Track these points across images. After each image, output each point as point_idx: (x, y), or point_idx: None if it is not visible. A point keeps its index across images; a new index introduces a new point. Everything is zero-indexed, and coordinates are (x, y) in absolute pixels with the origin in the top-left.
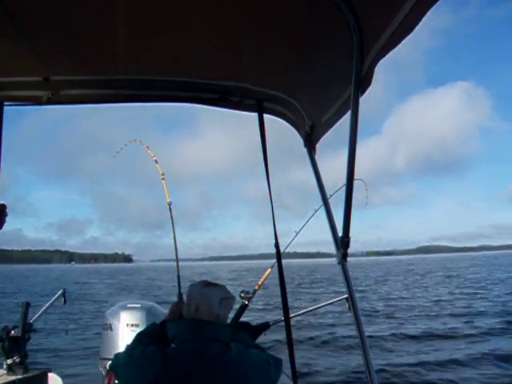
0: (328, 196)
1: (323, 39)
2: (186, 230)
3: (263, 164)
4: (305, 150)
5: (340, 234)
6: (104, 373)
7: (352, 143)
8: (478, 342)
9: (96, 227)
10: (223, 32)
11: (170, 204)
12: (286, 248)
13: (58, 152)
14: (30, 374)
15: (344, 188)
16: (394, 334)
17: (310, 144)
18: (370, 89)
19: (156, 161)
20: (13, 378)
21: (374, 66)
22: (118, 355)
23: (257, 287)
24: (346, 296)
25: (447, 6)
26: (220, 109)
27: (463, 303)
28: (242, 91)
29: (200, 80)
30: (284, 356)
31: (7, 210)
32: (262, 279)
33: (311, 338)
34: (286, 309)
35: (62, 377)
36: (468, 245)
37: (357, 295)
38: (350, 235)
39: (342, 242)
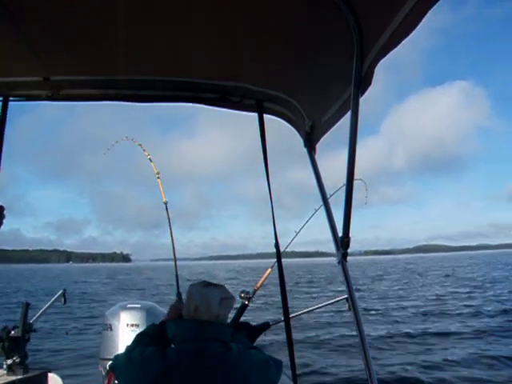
0: (328, 196)
1: (323, 39)
2: (184, 229)
3: (263, 164)
4: (305, 149)
5: (340, 234)
6: (104, 373)
7: (352, 143)
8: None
9: (94, 227)
10: (223, 32)
11: (166, 203)
12: (286, 248)
13: (56, 151)
14: (29, 374)
15: (344, 188)
16: (392, 333)
17: (310, 144)
18: (369, 89)
19: (150, 159)
20: (13, 378)
21: (374, 66)
22: (117, 356)
23: (257, 287)
24: (345, 296)
25: (446, 5)
26: (220, 109)
27: (468, 302)
28: (241, 91)
29: (200, 80)
30: (284, 356)
31: (5, 211)
32: (262, 279)
33: (310, 338)
34: (286, 309)
35: (62, 377)
36: (466, 244)
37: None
38: (350, 235)
39: (342, 242)
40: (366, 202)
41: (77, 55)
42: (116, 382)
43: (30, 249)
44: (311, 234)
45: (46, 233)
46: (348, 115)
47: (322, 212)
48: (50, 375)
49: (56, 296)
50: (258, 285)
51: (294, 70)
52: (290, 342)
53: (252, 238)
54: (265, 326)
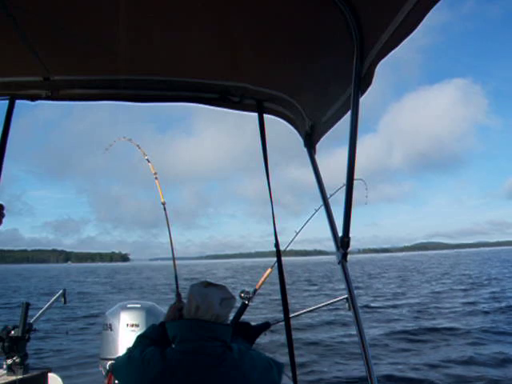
0: (328, 196)
1: (323, 39)
2: (183, 228)
3: (263, 164)
4: (305, 149)
5: (340, 233)
6: (104, 373)
7: (352, 143)
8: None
9: (93, 226)
10: (223, 32)
11: (164, 204)
12: (286, 248)
13: (54, 151)
14: (29, 374)
15: (344, 188)
16: (392, 332)
17: (310, 144)
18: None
19: (148, 160)
20: (13, 377)
21: (374, 66)
22: (118, 358)
23: (257, 287)
24: (345, 296)
25: (444, 2)
26: (220, 109)
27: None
28: (241, 91)
29: (200, 80)
30: (284, 356)
31: (4, 210)
32: (262, 279)
33: (310, 338)
34: (286, 309)
35: (62, 377)
36: (464, 241)
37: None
38: (350, 235)
39: (342, 242)
40: (367, 202)
41: (77, 55)
42: (116, 382)
43: (29, 249)
44: (309, 232)
45: (45, 233)
46: (348, 115)
47: (321, 211)
48: (50, 375)
49: (56, 296)
50: (258, 284)
51: (294, 70)
52: (289, 341)
53: (250, 237)
54: (265, 326)
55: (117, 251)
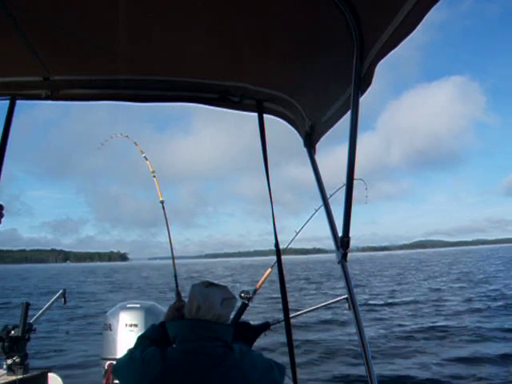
0: (328, 196)
1: (323, 39)
2: (182, 227)
3: (263, 164)
4: (305, 149)
5: (340, 233)
6: (103, 372)
7: (352, 143)
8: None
9: (91, 226)
10: (223, 32)
11: (162, 202)
12: (286, 247)
13: (52, 151)
14: (29, 374)
15: (344, 188)
16: (391, 332)
17: (310, 144)
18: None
19: (146, 157)
20: (13, 377)
21: (374, 66)
22: (119, 359)
23: (257, 287)
24: (345, 296)
25: (443, 0)
26: (219, 109)
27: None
28: (241, 91)
29: (200, 80)
30: (284, 356)
31: (4, 210)
32: (262, 279)
33: (309, 337)
34: (286, 309)
35: (62, 377)
36: (463, 239)
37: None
38: (350, 235)
39: (342, 242)
40: (367, 202)
41: (77, 55)
42: (115, 382)
43: (27, 249)
44: (308, 231)
45: (43, 233)
46: (348, 115)
47: (321, 211)
48: (50, 375)
49: (56, 296)
50: (258, 284)
51: (294, 70)
52: (289, 341)
53: (249, 236)
54: (265, 326)
55: (115, 250)
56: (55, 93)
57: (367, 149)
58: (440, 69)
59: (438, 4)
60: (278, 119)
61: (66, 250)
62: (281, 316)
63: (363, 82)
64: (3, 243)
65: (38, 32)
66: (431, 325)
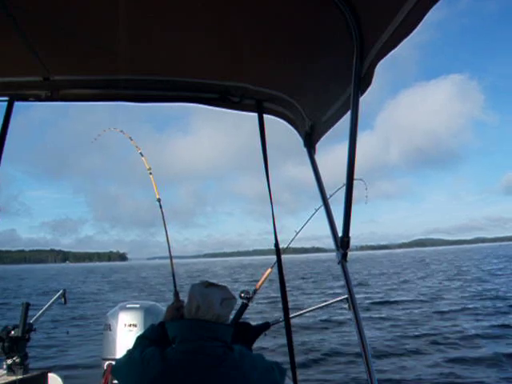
0: (328, 196)
1: (323, 39)
2: (180, 227)
3: (263, 164)
4: (304, 149)
5: (340, 233)
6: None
7: (352, 143)
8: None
9: (90, 226)
10: (223, 32)
11: (159, 200)
12: (286, 247)
13: (50, 151)
14: (29, 374)
15: (344, 188)
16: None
17: (310, 144)
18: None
19: (141, 153)
20: (13, 377)
21: (374, 66)
22: (119, 359)
23: (257, 287)
24: (345, 296)
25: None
26: (219, 109)
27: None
28: (241, 91)
29: (200, 80)
30: (284, 356)
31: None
32: (262, 279)
33: (309, 337)
34: (286, 309)
35: (62, 377)
36: (462, 237)
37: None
38: (350, 234)
39: (342, 242)
40: (367, 202)
41: (77, 55)
42: (115, 382)
43: (26, 249)
44: (308, 230)
45: (42, 233)
46: (348, 115)
47: (320, 211)
48: (50, 375)
49: (56, 296)
50: (258, 284)
51: (294, 70)
52: (289, 341)
53: (248, 235)
54: (265, 326)
55: (115, 250)
56: (55, 93)
57: (366, 148)
58: (438, 67)
59: (436, 4)
60: (278, 119)
61: (65, 250)
62: (281, 316)
63: (363, 81)
64: (2, 244)
65: (38, 32)
66: (432, 325)
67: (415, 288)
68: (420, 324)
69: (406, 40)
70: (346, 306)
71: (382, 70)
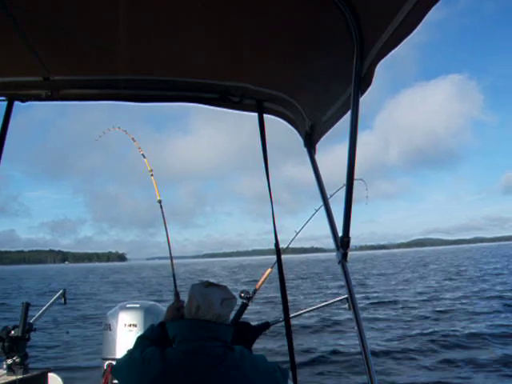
0: (328, 196)
1: (323, 39)
2: (180, 227)
3: (263, 164)
4: (305, 149)
5: (340, 233)
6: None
7: (352, 143)
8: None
9: (89, 226)
10: (223, 32)
11: (160, 202)
12: (286, 247)
13: (49, 151)
14: (29, 374)
15: (344, 188)
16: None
17: (310, 144)
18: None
19: (143, 155)
20: (13, 377)
21: (375, 66)
22: (119, 360)
23: (257, 287)
24: (345, 296)
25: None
26: (219, 109)
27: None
28: (241, 91)
29: (200, 80)
30: (284, 356)
31: None
32: (262, 279)
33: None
34: (286, 309)
35: (62, 377)
36: (462, 237)
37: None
38: (350, 234)
39: (342, 242)
40: (367, 203)
41: (77, 55)
42: (115, 382)
43: (25, 250)
44: (307, 230)
45: (41, 233)
46: (348, 115)
47: (320, 211)
48: (50, 375)
49: (56, 296)
50: (258, 284)
51: (294, 70)
52: (289, 341)
53: (247, 235)
54: (265, 326)
55: (114, 251)
56: (55, 93)
57: (365, 148)
58: (438, 67)
59: (436, 4)
60: (278, 119)
61: (65, 250)
62: (281, 316)
63: (363, 81)
64: (1, 244)
65: (37, 32)
66: (432, 327)
67: (414, 288)
68: (420, 325)
69: (406, 40)
70: (346, 305)
71: (382, 69)
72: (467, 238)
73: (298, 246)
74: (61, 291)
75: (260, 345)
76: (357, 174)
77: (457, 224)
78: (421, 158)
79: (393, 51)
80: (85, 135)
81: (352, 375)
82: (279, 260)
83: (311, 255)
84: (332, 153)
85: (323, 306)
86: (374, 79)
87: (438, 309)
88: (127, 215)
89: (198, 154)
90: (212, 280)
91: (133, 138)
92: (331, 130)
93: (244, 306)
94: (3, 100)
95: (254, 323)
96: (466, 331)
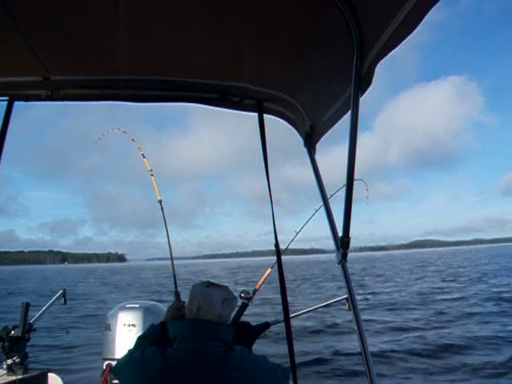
0: (328, 196)
1: (323, 39)
2: (180, 228)
3: (263, 165)
4: (305, 149)
5: (340, 234)
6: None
7: (352, 143)
8: None
9: (89, 227)
10: (223, 32)
11: (160, 202)
12: (286, 248)
13: (49, 151)
14: (29, 374)
15: (344, 188)
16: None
17: (310, 144)
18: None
19: (143, 155)
20: (13, 377)
21: (375, 66)
22: (119, 360)
23: (257, 287)
24: (345, 296)
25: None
26: (219, 109)
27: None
28: (241, 91)
29: (200, 80)
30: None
31: None
32: (262, 279)
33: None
34: (286, 309)
35: (62, 377)
36: (461, 239)
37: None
38: (350, 235)
39: (342, 242)
40: (367, 203)
41: (77, 55)
42: (115, 382)
43: (25, 250)
44: (307, 231)
45: (41, 234)
46: (348, 115)
47: (320, 211)
48: (50, 375)
49: (56, 296)
50: (258, 285)
51: (294, 70)
52: (289, 341)
53: (246, 236)
54: (265, 326)
55: (113, 251)
56: (55, 93)
57: (365, 149)
58: (438, 68)
59: (436, 4)
60: (278, 119)
61: (64, 251)
62: (281, 316)
63: (363, 81)
64: (1, 244)
65: (37, 32)
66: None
67: (413, 289)
68: (421, 325)
69: (406, 40)
70: (346, 306)
71: (382, 70)
72: (467, 239)
73: (298, 247)
74: (61, 291)
75: (259, 347)
76: (357, 175)
77: (456, 225)
78: (421, 159)
79: (393, 51)
80: (85, 135)
81: (352, 376)
82: (279, 260)
83: (311, 256)
84: (332, 153)
85: (323, 306)
86: (374, 79)
87: (438, 310)
88: (127, 216)
89: (197, 154)
90: (212, 280)
91: (132, 139)
92: (331, 130)
93: (244, 306)
94: (3, 100)
95: (253, 323)
96: (467, 334)
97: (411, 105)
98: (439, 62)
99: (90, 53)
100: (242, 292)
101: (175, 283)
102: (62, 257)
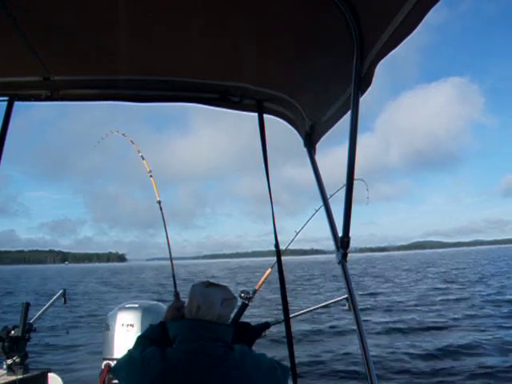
0: (328, 196)
1: (323, 39)
2: (180, 228)
3: (263, 165)
4: (305, 149)
5: (340, 234)
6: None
7: (352, 143)
8: None
9: (89, 227)
10: (223, 32)
11: (159, 203)
12: (286, 248)
13: (49, 151)
14: (29, 374)
15: (344, 188)
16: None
17: (310, 144)
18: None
19: (142, 157)
20: (13, 377)
21: (375, 66)
22: (119, 359)
23: (257, 287)
24: (345, 296)
25: (441, 0)
26: (219, 109)
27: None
28: (241, 91)
29: (200, 80)
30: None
31: None
32: (262, 279)
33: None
34: (286, 309)
35: (62, 377)
36: (461, 240)
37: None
38: (350, 235)
39: (342, 242)
40: (368, 203)
41: (77, 55)
42: (114, 381)
43: (25, 250)
44: (307, 231)
45: (41, 233)
46: (348, 115)
47: (320, 211)
48: (50, 375)
49: (56, 296)
50: (258, 285)
51: (294, 70)
52: (289, 342)
53: (246, 236)
54: (265, 326)
55: (114, 251)
56: (55, 93)
57: (366, 150)
58: (439, 70)
59: (437, 4)
60: (278, 119)
61: (65, 250)
62: (281, 316)
63: (363, 81)
64: (1, 244)
65: (37, 32)
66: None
67: (413, 291)
68: (420, 327)
69: (406, 41)
70: (346, 306)
71: (382, 71)
72: (467, 240)
73: (298, 247)
74: (61, 291)
75: (259, 347)
76: (357, 176)
77: (457, 226)
78: (421, 160)
79: (393, 51)
80: (85, 135)
81: (352, 377)
82: (279, 260)
83: (310, 257)
84: (332, 153)
85: (323, 306)
86: (374, 79)
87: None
88: (127, 216)
89: (197, 154)
90: (212, 280)
91: (131, 141)
92: (331, 130)
93: (244, 307)
94: (3, 100)
95: (253, 323)
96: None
97: (412, 106)
98: (440, 63)
99: (89, 53)
100: (242, 292)
101: (174, 283)
102: (63, 256)
